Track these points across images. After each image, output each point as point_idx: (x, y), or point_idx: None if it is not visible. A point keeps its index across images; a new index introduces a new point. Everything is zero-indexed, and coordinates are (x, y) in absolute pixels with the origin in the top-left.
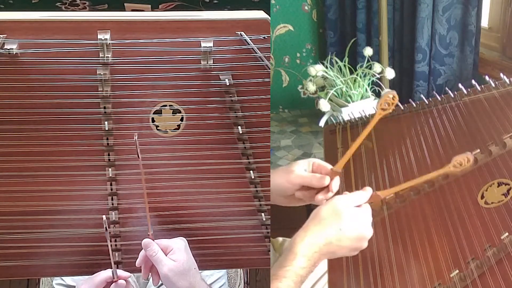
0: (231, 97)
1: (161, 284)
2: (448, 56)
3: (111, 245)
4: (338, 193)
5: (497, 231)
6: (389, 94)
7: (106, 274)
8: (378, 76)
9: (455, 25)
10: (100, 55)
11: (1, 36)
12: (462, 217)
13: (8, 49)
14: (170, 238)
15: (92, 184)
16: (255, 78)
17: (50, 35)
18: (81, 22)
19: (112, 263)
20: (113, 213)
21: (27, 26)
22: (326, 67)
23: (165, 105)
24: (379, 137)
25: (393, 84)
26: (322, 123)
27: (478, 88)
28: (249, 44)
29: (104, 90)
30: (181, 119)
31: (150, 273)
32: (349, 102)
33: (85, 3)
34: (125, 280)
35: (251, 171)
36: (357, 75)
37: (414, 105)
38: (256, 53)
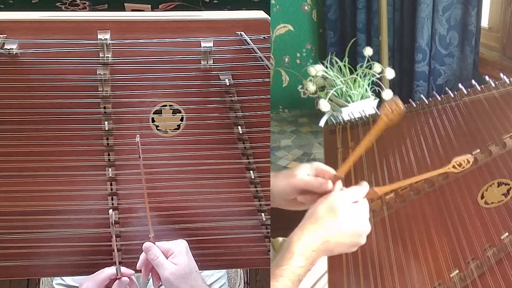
0: (231, 97)
1: (161, 285)
2: (448, 56)
3: (115, 242)
4: None
5: (497, 231)
6: (392, 101)
7: (110, 271)
8: (378, 76)
9: (455, 25)
10: (100, 55)
11: (1, 36)
12: (462, 217)
13: (8, 49)
14: (170, 238)
15: (92, 184)
16: (255, 78)
17: (50, 35)
18: (81, 22)
19: (116, 261)
20: (113, 213)
21: (27, 26)
22: (326, 67)
23: (165, 105)
24: (379, 137)
25: (393, 84)
26: (322, 123)
27: (478, 88)
28: (249, 44)
29: (104, 90)
30: (181, 119)
31: (150, 274)
32: (349, 102)
33: (85, 3)
34: (129, 278)
35: (251, 171)
36: (357, 75)
37: (414, 105)
38: (256, 53)
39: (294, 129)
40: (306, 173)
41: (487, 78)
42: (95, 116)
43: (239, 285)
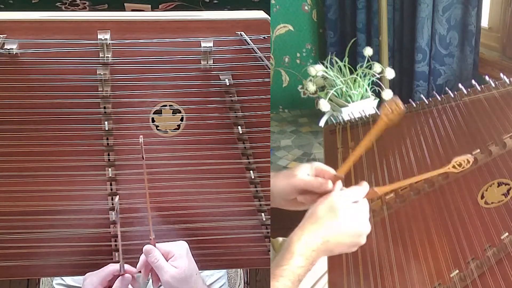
0: (231, 97)
1: (161, 285)
2: (448, 56)
3: (120, 240)
4: None
5: (497, 231)
6: (392, 101)
7: (113, 267)
8: (378, 76)
9: (455, 25)
10: (100, 55)
11: (1, 36)
12: (462, 217)
13: (8, 49)
14: (169, 238)
15: (92, 184)
16: (255, 78)
17: (50, 35)
18: (81, 22)
19: (121, 257)
20: (113, 213)
21: (27, 26)
22: (326, 67)
23: (165, 105)
24: (379, 137)
25: (393, 84)
26: (322, 123)
27: (478, 88)
28: (249, 44)
29: (104, 90)
30: (181, 119)
31: (150, 274)
32: (349, 102)
33: (85, 3)
34: (132, 276)
35: (251, 171)
36: (357, 75)
37: (414, 105)
38: (256, 53)
39: (294, 129)
40: (306, 173)
41: (487, 78)
42: (95, 116)
43: (239, 285)
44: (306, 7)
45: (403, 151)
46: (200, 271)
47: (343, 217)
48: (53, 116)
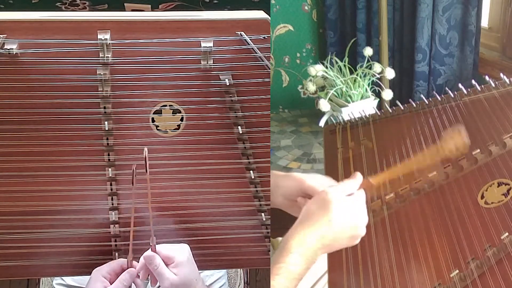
0: (231, 97)
1: (159, 286)
2: (448, 56)
3: (132, 237)
4: None
5: (497, 231)
6: (457, 133)
7: (122, 261)
8: (378, 76)
9: (455, 25)
10: (100, 55)
11: (1, 36)
12: (462, 217)
13: (8, 49)
14: (170, 238)
15: (92, 184)
16: (255, 78)
17: (50, 35)
18: (81, 22)
19: (130, 251)
20: (113, 213)
21: (27, 26)
22: (326, 67)
23: (165, 105)
24: (379, 137)
25: (393, 84)
26: (322, 123)
27: (478, 88)
28: (249, 44)
29: (104, 90)
30: (181, 119)
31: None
32: (349, 102)
33: (85, 3)
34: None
35: (251, 171)
36: (357, 75)
37: (414, 105)
38: (256, 53)
39: (294, 129)
40: (317, 182)
41: (487, 78)
42: (95, 116)
43: (239, 285)
44: (306, 7)
45: (403, 151)
46: (200, 271)
47: (335, 210)
48: (53, 116)
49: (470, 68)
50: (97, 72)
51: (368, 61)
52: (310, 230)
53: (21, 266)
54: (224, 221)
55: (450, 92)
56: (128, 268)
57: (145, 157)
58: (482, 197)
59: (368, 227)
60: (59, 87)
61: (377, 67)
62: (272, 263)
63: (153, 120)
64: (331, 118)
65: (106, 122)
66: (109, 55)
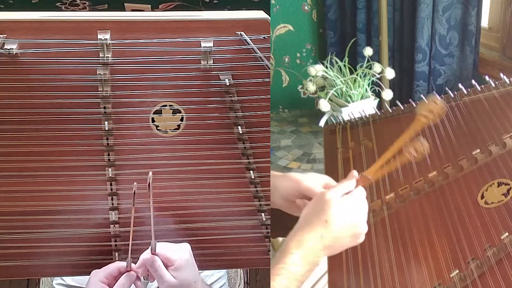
0: (231, 97)
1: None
2: (448, 56)
3: (130, 237)
4: None
5: (497, 231)
6: (431, 101)
7: (119, 264)
8: (378, 76)
9: (455, 25)
10: (100, 55)
11: (1, 36)
12: (462, 217)
13: (8, 49)
14: (170, 238)
15: (92, 184)
16: (255, 78)
17: (50, 35)
18: (81, 22)
19: (129, 253)
20: (113, 213)
21: (27, 26)
22: (326, 67)
23: (165, 105)
24: (379, 137)
25: (393, 84)
26: (322, 123)
27: (478, 88)
28: (249, 44)
29: (104, 90)
30: (181, 119)
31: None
32: (349, 102)
33: (85, 3)
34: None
35: (251, 171)
36: (357, 75)
37: (414, 105)
38: (256, 53)
39: (294, 129)
40: (315, 183)
41: (487, 78)
42: (95, 116)
43: (239, 285)
44: (306, 7)
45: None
46: (200, 271)
47: (332, 210)
48: (53, 116)
49: (470, 68)
50: (97, 72)
51: (368, 61)
52: (309, 231)
53: (21, 266)
54: (224, 221)
55: (450, 92)
56: (126, 270)
57: (149, 183)
58: (482, 197)
59: (368, 227)
60: (59, 87)
61: (377, 67)
62: (272, 265)
63: (153, 120)
64: (331, 118)
65: (106, 122)
66: (109, 55)
